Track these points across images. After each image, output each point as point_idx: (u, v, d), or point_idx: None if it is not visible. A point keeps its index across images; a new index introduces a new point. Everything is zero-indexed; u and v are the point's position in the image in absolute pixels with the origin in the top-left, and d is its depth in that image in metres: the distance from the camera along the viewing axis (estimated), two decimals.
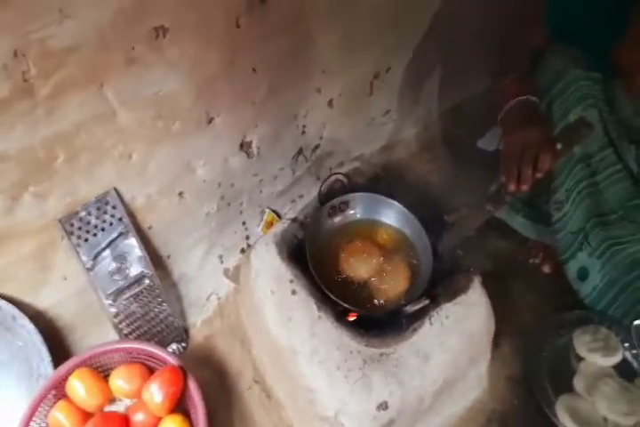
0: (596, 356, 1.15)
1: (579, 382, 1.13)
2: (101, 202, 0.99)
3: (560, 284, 1.29)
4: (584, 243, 1.15)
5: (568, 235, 1.17)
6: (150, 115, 0.94)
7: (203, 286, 1.25)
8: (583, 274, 1.18)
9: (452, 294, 1.08)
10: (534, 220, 1.31)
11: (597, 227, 1.14)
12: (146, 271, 1.07)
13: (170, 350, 1.16)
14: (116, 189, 1.00)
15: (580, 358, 1.17)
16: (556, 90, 1.12)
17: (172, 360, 1.02)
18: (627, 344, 1.18)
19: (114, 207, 1.00)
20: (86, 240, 1.00)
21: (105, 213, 1.00)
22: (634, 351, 1.17)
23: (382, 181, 1.37)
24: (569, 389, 1.13)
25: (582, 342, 1.17)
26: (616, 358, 1.15)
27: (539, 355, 1.18)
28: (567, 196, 1.14)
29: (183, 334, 1.19)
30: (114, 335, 1.10)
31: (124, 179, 1.00)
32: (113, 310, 1.06)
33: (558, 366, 1.18)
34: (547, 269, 1.37)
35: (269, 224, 1.32)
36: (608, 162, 1.11)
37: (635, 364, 1.17)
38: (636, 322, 1.00)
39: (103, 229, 1.02)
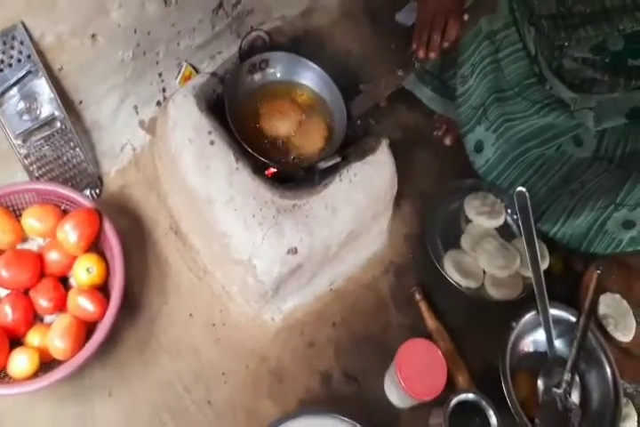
0: (482, 218, 1.28)
1: (465, 240, 1.27)
2: (7, 36, 0.91)
3: (459, 155, 1.39)
4: (482, 117, 1.22)
5: (469, 109, 1.22)
6: None
7: (116, 135, 1.21)
8: (479, 147, 1.27)
9: (361, 154, 1.13)
10: (441, 93, 1.34)
11: (496, 102, 1.20)
12: (57, 114, 1.02)
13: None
14: (23, 24, 0.92)
15: (469, 220, 1.30)
16: None
17: (86, 203, 1.02)
18: (509, 210, 1.32)
19: (21, 43, 0.93)
20: None
21: (12, 48, 0.93)
22: (514, 216, 1.30)
23: (303, 44, 1.36)
24: (457, 246, 1.27)
25: (472, 206, 1.30)
26: (499, 221, 1.29)
27: (434, 216, 1.29)
28: (472, 71, 1.18)
29: (97, 181, 1.17)
30: (24, 178, 1.08)
31: (33, 13, 0.92)
32: (23, 151, 1.03)
33: (450, 226, 1.30)
34: (448, 141, 1.45)
35: (187, 78, 1.27)
36: (510, 40, 1.14)
37: (514, 227, 1.32)
38: (518, 189, 1.10)
39: (10, 66, 0.95)
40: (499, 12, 1.10)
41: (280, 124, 1.14)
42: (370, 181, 1.13)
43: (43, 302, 0.96)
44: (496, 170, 1.29)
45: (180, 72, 1.28)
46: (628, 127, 1.14)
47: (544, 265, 1.19)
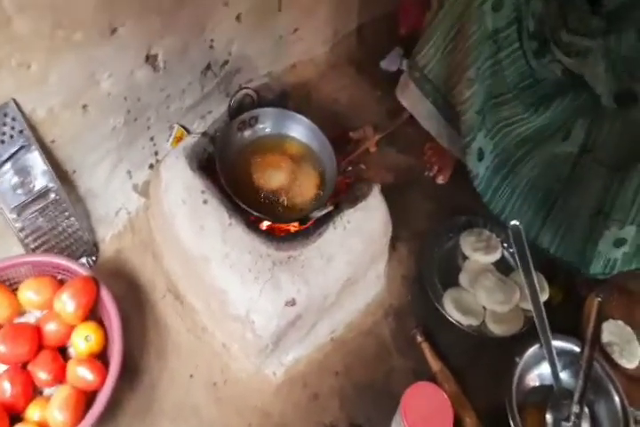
0: (478, 254, 1.29)
1: (463, 278, 1.27)
2: None
3: (451, 194, 1.42)
4: (482, 123, 1.19)
5: (473, 115, 1.17)
6: (48, 23, 0.90)
7: (111, 201, 1.24)
8: (481, 155, 1.22)
9: (353, 201, 1.15)
10: (441, 110, 1.27)
11: (493, 109, 1.18)
12: (51, 185, 1.05)
13: (80, 263, 1.15)
14: (14, 101, 0.96)
15: (466, 257, 1.31)
16: None
17: (82, 271, 1.03)
18: (505, 244, 1.33)
19: (13, 119, 0.97)
20: None
21: (4, 124, 0.96)
22: (511, 250, 1.31)
23: (290, 98, 1.40)
24: (455, 284, 1.27)
25: (468, 243, 1.31)
26: (496, 256, 1.31)
27: (430, 255, 1.31)
28: (477, 74, 1.14)
29: (93, 248, 1.19)
30: (19, 251, 1.09)
31: (24, 90, 0.96)
32: (18, 224, 1.05)
33: (447, 264, 1.31)
34: (440, 179, 1.47)
35: (179, 140, 1.31)
36: (511, 39, 1.13)
37: (511, 261, 1.33)
38: (512, 222, 1.11)
39: (3, 142, 0.98)
40: (502, 10, 1.08)
41: (273, 177, 1.17)
42: (364, 226, 1.14)
43: (42, 375, 0.96)
44: (494, 180, 1.25)
45: (171, 134, 1.32)
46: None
47: (544, 297, 1.19)
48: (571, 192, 1.18)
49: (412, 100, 1.30)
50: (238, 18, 1.30)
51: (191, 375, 1.11)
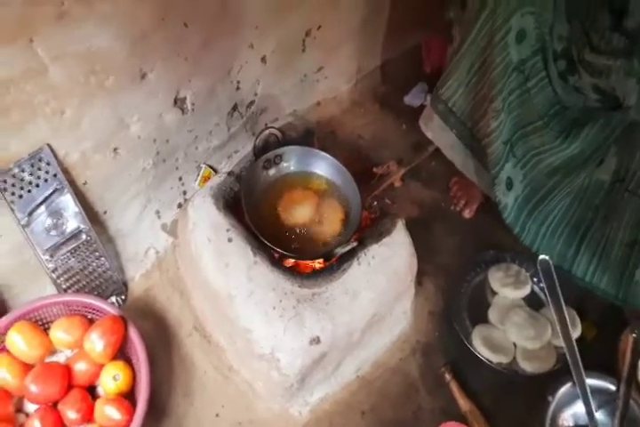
0: (507, 290, 1.27)
1: (493, 314, 1.25)
2: (35, 158, 0.99)
3: (478, 228, 1.41)
4: (510, 154, 1.18)
5: (500, 146, 1.17)
6: (83, 70, 0.94)
7: (140, 240, 1.27)
8: (509, 185, 1.21)
9: (378, 236, 1.15)
10: (465, 142, 1.27)
11: (522, 138, 1.18)
12: (82, 226, 1.09)
13: (109, 302, 1.17)
14: (49, 146, 1.00)
15: (494, 293, 1.29)
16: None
17: (111, 310, 1.06)
18: (535, 279, 1.31)
19: (48, 164, 1.01)
20: (20, 197, 1.01)
21: (39, 169, 1.01)
22: (541, 284, 1.29)
23: (315, 136, 1.43)
24: (484, 320, 1.25)
25: (496, 278, 1.29)
26: (525, 291, 1.28)
27: (458, 291, 1.30)
28: (503, 105, 1.14)
29: (122, 287, 1.22)
30: (52, 291, 1.12)
31: (58, 135, 1.00)
32: (51, 265, 1.08)
33: (475, 300, 1.30)
34: (467, 213, 1.47)
35: (206, 179, 1.34)
36: (537, 68, 1.12)
37: (541, 295, 1.30)
38: (541, 257, 1.10)
39: (38, 186, 1.02)
40: (526, 41, 1.09)
41: (297, 213, 1.18)
42: (389, 262, 1.14)
43: (71, 415, 0.97)
44: (525, 210, 1.24)
45: (199, 174, 1.35)
46: None
47: (576, 333, 1.17)
48: (604, 221, 1.17)
49: (437, 131, 1.30)
50: (264, 59, 1.34)
51: (217, 415, 1.11)
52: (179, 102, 1.18)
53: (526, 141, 1.18)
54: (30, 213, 1.03)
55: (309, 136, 1.40)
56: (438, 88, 1.21)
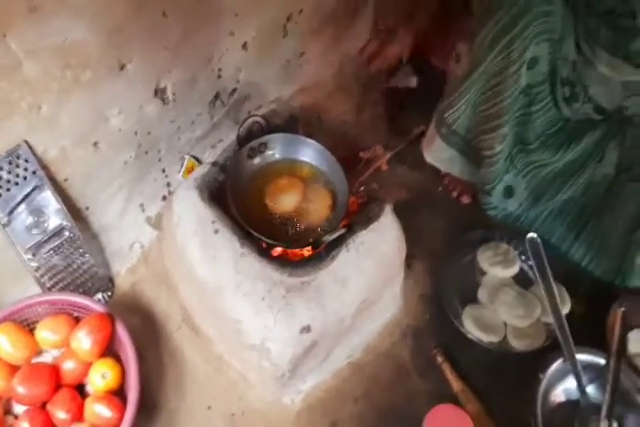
0: (496, 269, 1.27)
1: (482, 294, 1.26)
2: (12, 156, 0.97)
3: (465, 209, 1.41)
4: (510, 166, 1.21)
5: (502, 163, 1.20)
6: (58, 65, 0.92)
7: (125, 235, 1.26)
8: (509, 193, 1.24)
9: (366, 222, 1.14)
10: (466, 155, 1.28)
11: (522, 152, 1.20)
12: (65, 224, 1.07)
13: (95, 299, 1.18)
14: (27, 142, 0.98)
15: (483, 272, 1.30)
16: (516, 30, 1.05)
17: (97, 308, 1.05)
18: (523, 257, 1.31)
19: (26, 161, 0.99)
20: None
21: (17, 166, 0.99)
22: (529, 263, 1.29)
23: (300, 122, 1.41)
24: (474, 300, 1.26)
25: (485, 258, 1.29)
26: (514, 270, 1.28)
27: (447, 272, 1.30)
28: (509, 130, 1.15)
29: (108, 283, 1.21)
30: (36, 290, 1.11)
31: (35, 131, 0.98)
32: (34, 264, 1.07)
33: (465, 281, 1.30)
34: (465, 199, 1.47)
35: (190, 170, 1.33)
36: (543, 95, 1.14)
37: (530, 273, 1.30)
38: (529, 235, 1.10)
39: (17, 184, 1.00)
40: (537, 67, 1.09)
41: (284, 201, 1.17)
42: (377, 248, 1.13)
43: (60, 415, 0.96)
44: (530, 210, 1.27)
45: (182, 165, 1.34)
46: None
47: (565, 309, 1.18)
48: (606, 208, 1.19)
49: (437, 152, 1.31)
50: (244, 46, 1.31)
51: (209, 407, 1.11)
52: (159, 93, 1.16)
53: (524, 156, 1.20)
54: (10, 212, 1.01)
55: (294, 123, 1.38)
56: (442, 112, 1.21)
